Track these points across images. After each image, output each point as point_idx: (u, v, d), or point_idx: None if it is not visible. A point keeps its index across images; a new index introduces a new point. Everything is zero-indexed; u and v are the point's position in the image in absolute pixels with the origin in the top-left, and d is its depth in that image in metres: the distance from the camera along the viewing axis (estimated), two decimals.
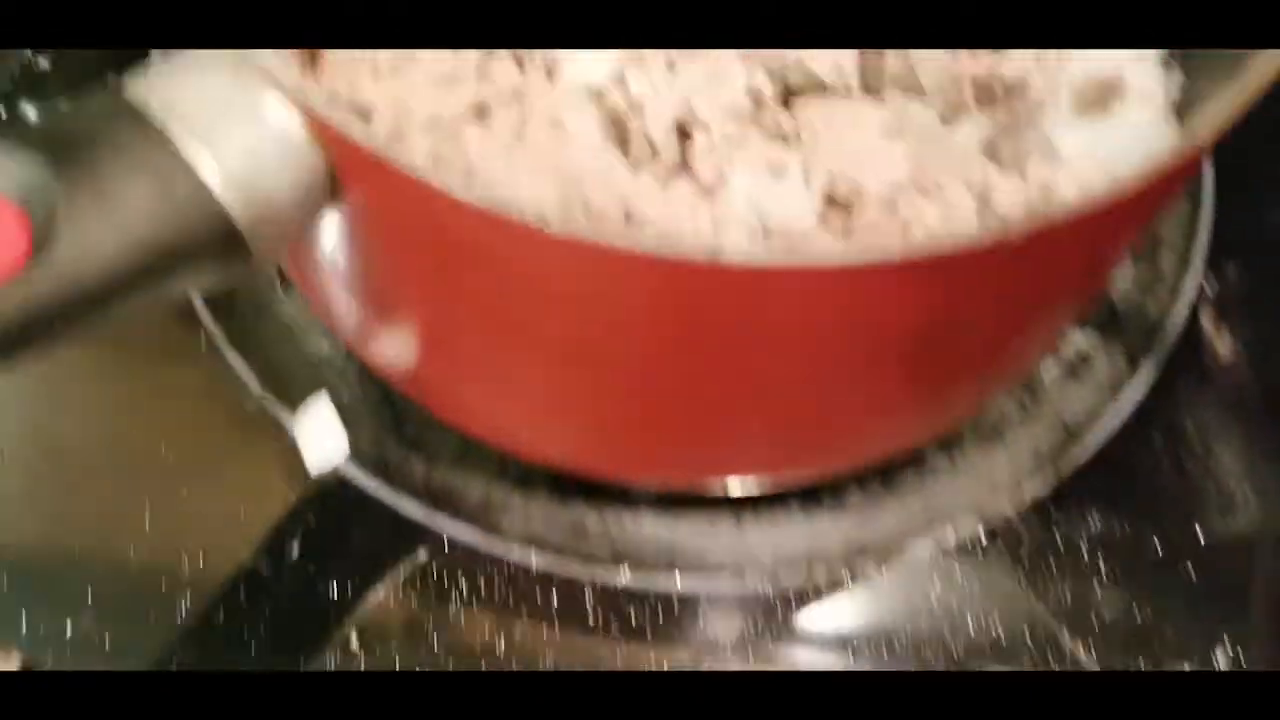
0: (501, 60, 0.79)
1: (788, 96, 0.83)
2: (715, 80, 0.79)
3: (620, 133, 0.81)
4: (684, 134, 0.80)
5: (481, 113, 0.75)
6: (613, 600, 0.74)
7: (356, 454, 0.85)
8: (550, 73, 0.80)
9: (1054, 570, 0.83)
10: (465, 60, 0.75)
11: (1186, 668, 0.76)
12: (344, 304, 0.75)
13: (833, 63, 0.80)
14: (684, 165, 0.80)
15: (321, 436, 0.83)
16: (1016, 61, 0.84)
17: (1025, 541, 0.85)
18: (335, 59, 0.69)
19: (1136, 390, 0.86)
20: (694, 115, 0.78)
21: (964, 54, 0.84)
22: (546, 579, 0.75)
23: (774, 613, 0.80)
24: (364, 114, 0.69)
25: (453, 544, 0.82)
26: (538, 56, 0.80)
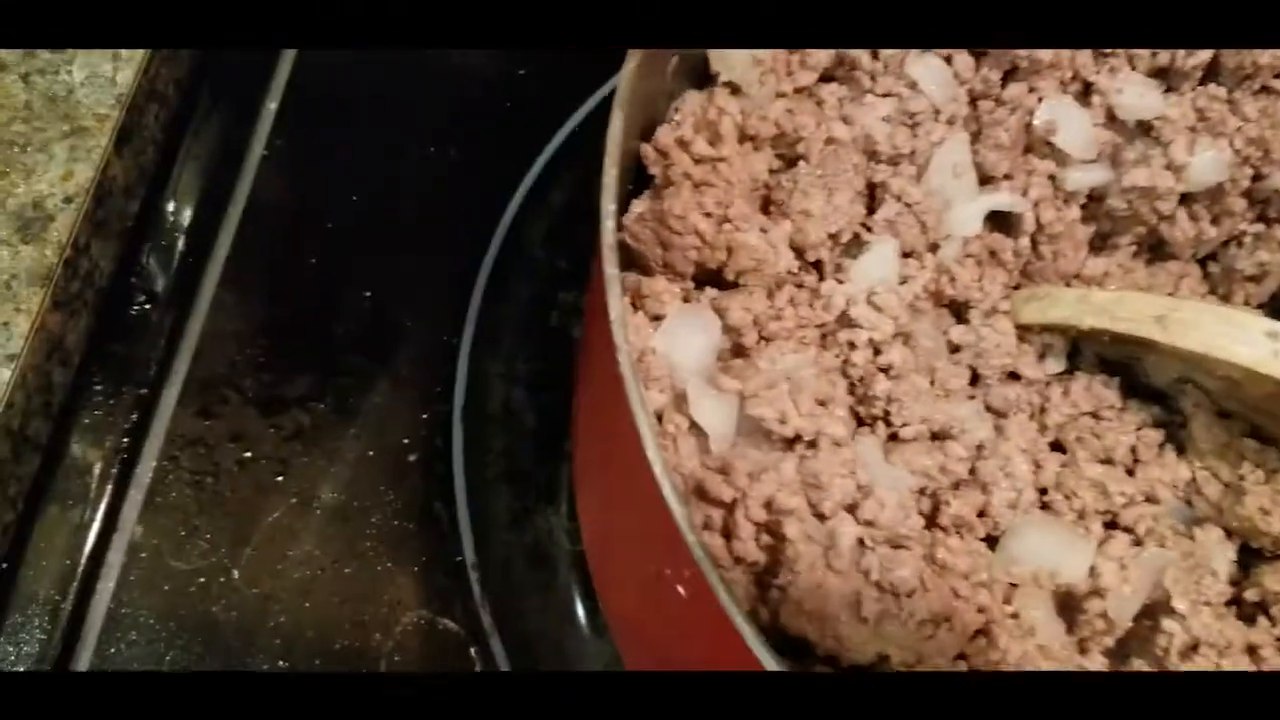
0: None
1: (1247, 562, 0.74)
2: (1195, 568, 0.69)
3: (1071, 614, 0.72)
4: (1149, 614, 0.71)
5: None
6: None
7: None
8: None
9: None
10: None
11: None
12: None
13: None
14: (1137, 645, 0.71)
15: None
16: None
17: None
18: None
19: None
20: (1170, 605, 0.69)
21: None
22: None
23: None
24: None
25: None
26: (979, 527, 0.71)
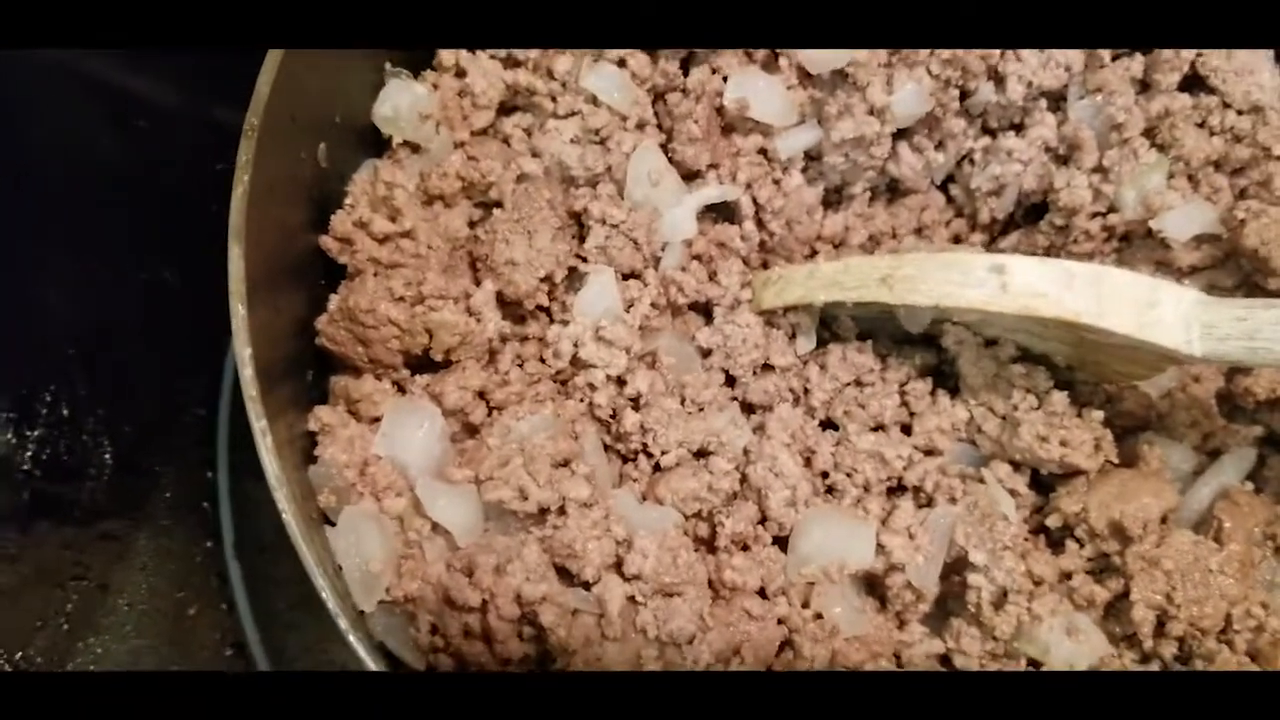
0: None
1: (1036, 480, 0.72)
2: (984, 517, 0.67)
3: (877, 588, 0.70)
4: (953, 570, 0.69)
5: None
6: None
7: None
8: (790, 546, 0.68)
9: None
10: None
11: None
12: None
13: (1092, 444, 0.70)
14: (954, 603, 0.69)
15: None
16: None
17: None
18: None
19: None
20: (969, 560, 0.67)
21: None
22: None
23: None
24: None
25: None
26: (764, 535, 0.68)
